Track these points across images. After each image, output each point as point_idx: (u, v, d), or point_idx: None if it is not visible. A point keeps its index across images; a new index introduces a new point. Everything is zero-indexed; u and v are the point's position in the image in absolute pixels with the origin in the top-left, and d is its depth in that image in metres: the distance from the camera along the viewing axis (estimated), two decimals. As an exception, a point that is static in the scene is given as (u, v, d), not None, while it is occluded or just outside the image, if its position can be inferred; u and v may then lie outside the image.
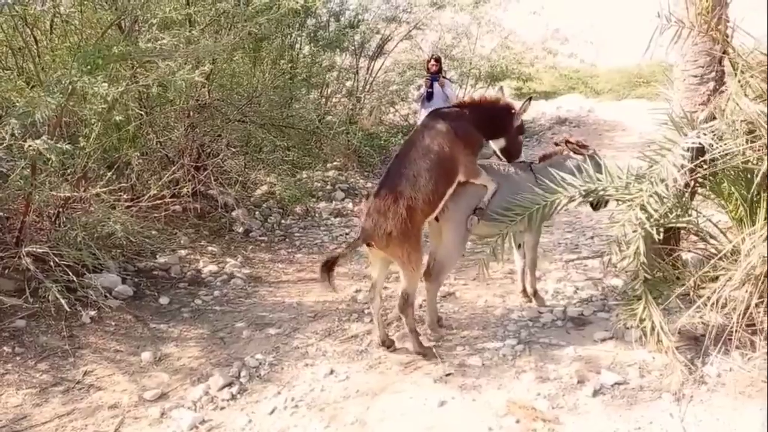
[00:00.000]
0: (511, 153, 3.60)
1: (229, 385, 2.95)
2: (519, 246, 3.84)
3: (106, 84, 2.70)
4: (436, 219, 3.35)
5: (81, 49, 3.05)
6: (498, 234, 3.21)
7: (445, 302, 4.02)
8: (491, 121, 3.44)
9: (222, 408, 2.79)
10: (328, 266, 3.17)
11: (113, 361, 3.21)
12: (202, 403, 2.81)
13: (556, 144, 3.78)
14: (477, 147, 3.39)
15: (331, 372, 3.07)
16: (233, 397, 2.87)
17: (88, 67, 2.80)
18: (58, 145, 2.61)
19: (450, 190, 3.25)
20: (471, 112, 3.38)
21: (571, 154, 3.59)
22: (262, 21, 4.24)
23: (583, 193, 3.29)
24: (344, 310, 3.90)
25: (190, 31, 3.36)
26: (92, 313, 3.56)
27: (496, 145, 3.60)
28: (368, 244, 3.16)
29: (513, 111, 3.52)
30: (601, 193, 3.30)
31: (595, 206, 3.63)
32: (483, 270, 3.22)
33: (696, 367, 2.81)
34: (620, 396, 2.68)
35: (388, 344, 3.33)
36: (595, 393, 2.70)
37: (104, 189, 3.77)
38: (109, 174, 4.20)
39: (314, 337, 3.50)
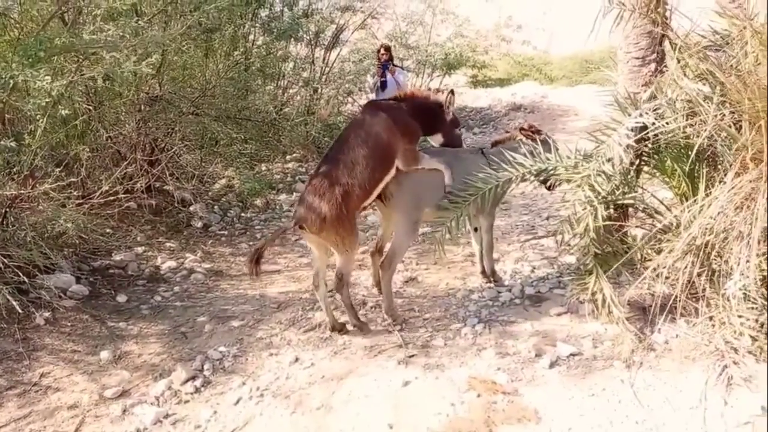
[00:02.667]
0: (451, 147, 3.67)
1: (193, 378, 2.94)
2: (476, 229, 3.93)
3: (49, 77, 2.61)
4: (384, 205, 3.42)
5: (21, 43, 2.93)
6: (451, 215, 3.27)
7: (408, 287, 4.08)
8: (424, 116, 3.50)
9: (186, 401, 2.78)
10: (257, 257, 3.19)
11: (71, 362, 3.14)
12: (165, 398, 2.79)
13: (507, 132, 3.87)
14: (415, 136, 3.44)
15: (296, 360, 3.09)
16: (197, 390, 2.86)
17: (29, 60, 2.70)
18: (2, 143, 2.51)
19: (387, 177, 3.31)
20: (407, 104, 3.44)
21: (524, 139, 3.67)
22: (210, 10, 4.15)
23: (534, 172, 3.39)
24: (308, 299, 3.91)
25: (137, 22, 3.26)
26: (46, 314, 3.46)
27: (434, 141, 3.68)
28: (300, 227, 3.18)
29: (443, 107, 3.57)
30: (551, 172, 3.40)
31: (549, 186, 3.74)
32: (440, 249, 3.29)
33: (645, 335, 2.95)
34: (575, 366, 2.79)
35: (338, 328, 3.39)
36: (552, 365, 2.81)
37: (53, 186, 3.65)
38: (58, 171, 4.06)
39: (278, 327, 3.51)
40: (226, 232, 5.55)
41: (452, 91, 3.64)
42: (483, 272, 4.00)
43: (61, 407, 2.73)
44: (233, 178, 6.68)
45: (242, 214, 6.07)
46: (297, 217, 3.19)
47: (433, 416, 2.48)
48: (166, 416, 2.64)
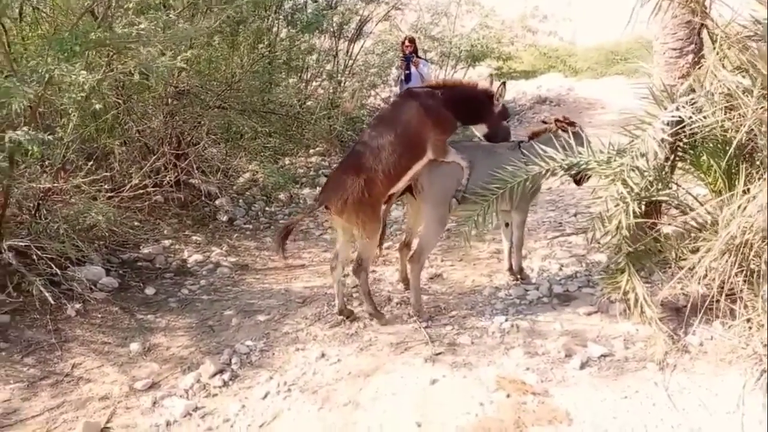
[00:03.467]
0: (496, 139, 3.62)
1: (221, 372, 2.95)
2: (507, 225, 3.88)
3: (85, 72, 2.63)
4: (414, 198, 3.44)
5: (55, 37, 2.96)
6: (479, 210, 3.23)
7: (433, 283, 4.05)
8: (467, 105, 3.46)
9: (214, 395, 2.80)
10: (284, 235, 3.28)
11: (101, 353, 3.18)
12: (194, 391, 2.81)
13: (544, 122, 3.82)
14: (448, 127, 3.42)
15: (323, 355, 3.08)
16: (225, 384, 2.87)
17: (65, 54, 2.73)
18: (39, 136, 2.55)
19: (416, 166, 3.31)
20: (444, 93, 3.40)
21: (559, 131, 3.62)
22: (242, 3, 4.15)
23: (565, 167, 3.32)
24: (333, 294, 3.89)
25: (167, 15, 3.27)
26: (77, 306, 3.52)
27: (478, 131, 3.63)
28: (326, 208, 3.27)
29: (492, 97, 3.52)
30: (583, 167, 3.33)
31: (578, 181, 3.67)
32: (467, 244, 3.28)
33: (678, 336, 2.88)
34: (607, 367, 2.74)
35: (346, 314, 3.46)
36: (583, 365, 2.76)
37: (84, 180, 3.70)
38: (89, 164, 4.12)
39: (304, 322, 3.51)
40: (250, 226, 5.57)
41: (504, 83, 3.60)
42: (510, 269, 3.95)
43: (92, 398, 2.77)
44: (257, 171, 6.71)
45: (266, 208, 6.09)
46: (322, 197, 3.28)
47: (461, 415, 2.46)
48: (196, 409, 2.66)
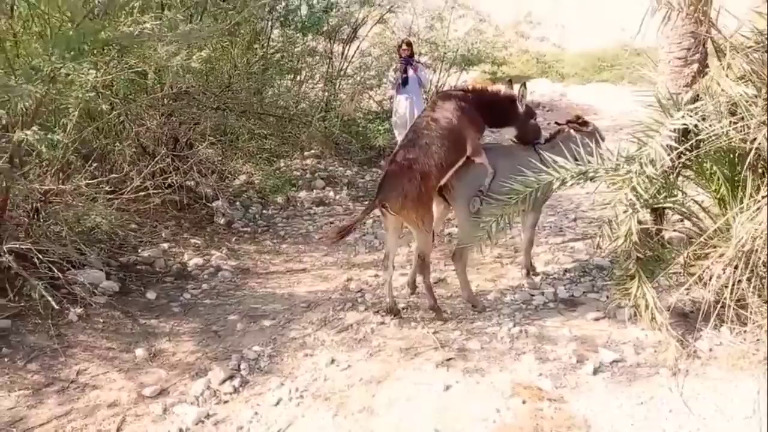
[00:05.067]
0: (526, 138, 3.78)
1: (230, 378, 2.91)
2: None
3: (94, 71, 2.57)
4: (445, 199, 3.56)
5: (60, 35, 2.89)
6: (499, 213, 3.27)
7: (438, 288, 4.03)
8: (493, 109, 3.61)
9: (225, 402, 2.75)
10: (345, 232, 3.32)
11: (106, 359, 3.12)
12: (205, 398, 2.76)
13: (558, 124, 3.92)
14: (480, 127, 3.57)
15: (333, 361, 3.06)
16: (236, 390, 2.83)
17: (71, 53, 2.67)
18: (49, 136, 2.48)
19: (459, 161, 3.45)
20: (474, 97, 3.55)
21: (573, 132, 3.72)
22: (256, 6, 4.11)
23: (575, 174, 3.34)
24: (338, 299, 3.88)
25: (175, 15, 3.22)
26: (79, 310, 3.44)
27: (508, 134, 3.78)
28: (383, 206, 3.31)
29: (514, 100, 3.65)
30: (592, 175, 3.35)
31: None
32: (480, 250, 3.32)
33: (688, 342, 2.91)
34: (619, 373, 2.76)
35: (395, 312, 3.53)
36: (596, 371, 2.77)
37: (85, 181, 3.63)
38: (87, 166, 4.04)
39: (310, 327, 3.48)
40: (249, 229, 5.52)
41: (524, 84, 3.74)
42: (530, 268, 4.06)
43: (100, 405, 2.71)
44: (253, 174, 6.65)
45: (264, 211, 6.05)
46: (381, 197, 3.31)
47: (479, 422, 2.45)
48: (208, 416, 2.62)
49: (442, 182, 3.45)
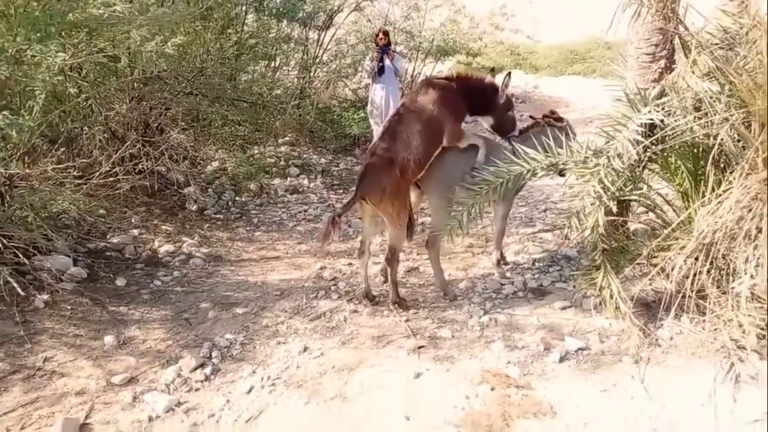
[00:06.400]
0: (502, 129, 3.82)
1: (202, 365, 2.90)
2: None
3: (63, 54, 2.51)
4: (419, 189, 3.60)
5: (25, 15, 2.80)
6: (470, 202, 3.31)
7: (410, 277, 4.09)
8: (476, 97, 3.64)
9: (197, 389, 2.75)
10: (329, 233, 3.27)
11: (74, 346, 3.07)
12: (176, 385, 2.75)
13: (533, 118, 3.98)
14: (461, 116, 3.62)
15: (305, 349, 3.07)
16: (207, 378, 2.83)
17: (38, 34, 2.59)
18: (14, 120, 2.42)
19: (436, 152, 3.49)
20: (457, 85, 3.58)
21: (546, 127, 3.80)
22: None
23: (545, 166, 3.41)
24: (311, 287, 3.89)
25: (144, -2, 3.15)
26: (46, 296, 3.38)
27: (485, 122, 3.81)
28: (363, 199, 3.34)
29: (497, 89, 3.68)
30: (561, 167, 3.43)
31: (563, 173, 3.81)
32: (450, 239, 3.37)
33: (650, 331, 3.01)
34: (584, 360, 2.84)
35: (371, 297, 3.58)
36: (562, 359, 2.85)
37: (52, 166, 3.54)
38: (54, 150, 3.94)
39: (283, 315, 3.48)
40: (221, 216, 5.47)
41: (509, 74, 3.79)
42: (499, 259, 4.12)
43: (68, 393, 2.67)
44: (226, 160, 6.58)
45: (237, 198, 5.99)
46: (362, 190, 3.33)
47: (449, 408, 2.50)
48: (179, 404, 2.61)
49: (420, 175, 3.48)
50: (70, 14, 2.68)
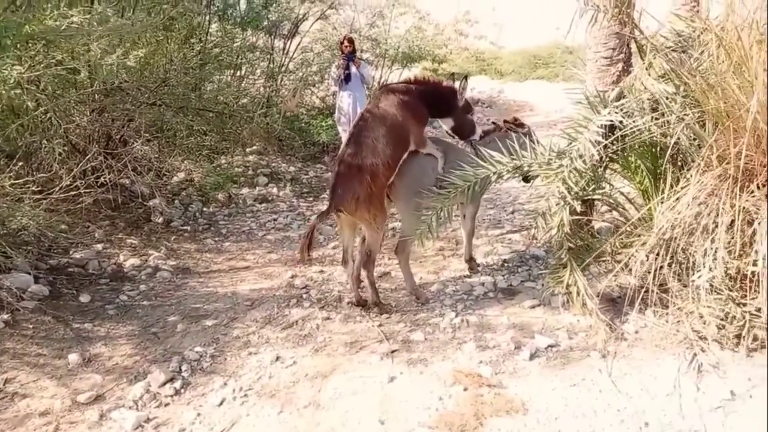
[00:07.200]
0: (462, 131, 3.89)
1: (171, 380, 2.85)
2: (464, 216, 4.07)
3: (20, 67, 2.44)
4: (389, 197, 3.59)
5: (-23, 27, 2.72)
6: (439, 206, 3.34)
7: (382, 282, 4.09)
8: (435, 100, 3.69)
9: (167, 404, 2.69)
10: (308, 245, 3.28)
11: (36, 366, 2.98)
12: (144, 401, 2.69)
13: (494, 123, 4.06)
14: (423, 119, 3.66)
15: (277, 358, 3.05)
16: (177, 392, 2.77)
17: (-8, 47, 2.52)
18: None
19: (405, 156, 3.53)
20: (417, 88, 3.63)
21: (509, 132, 3.87)
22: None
23: (511, 169, 3.47)
24: (282, 296, 3.86)
25: (105, 8, 3.09)
26: (5, 316, 3.27)
27: (445, 125, 3.87)
28: (338, 211, 3.36)
29: (455, 92, 3.75)
30: (526, 169, 3.49)
31: (527, 179, 3.88)
32: (420, 243, 3.39)
33: (616, 326, 3.08)
34: (554, 357, 2.89)
35: (362, 303, 3.59)
36: (532, 356, 2.89)
37: (9, 181, 3.44)
38: (12, 165, 3.83)
39: (254, 326, 3.45)
40: (189, 228, 5.39)
41: (466, 77, 3.86)
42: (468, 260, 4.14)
43: (31, 414, 2.59)
44: (192, 171, 6.49)
45: (204, 209, 5.91)
46: (335, 201, 3.34)
47: (422, 411, 2.51)
48: (148, 420, 2.56)
49: (391, 179, 3.50)
50: (26, 26, 2.61)
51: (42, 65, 3.25)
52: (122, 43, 4.71)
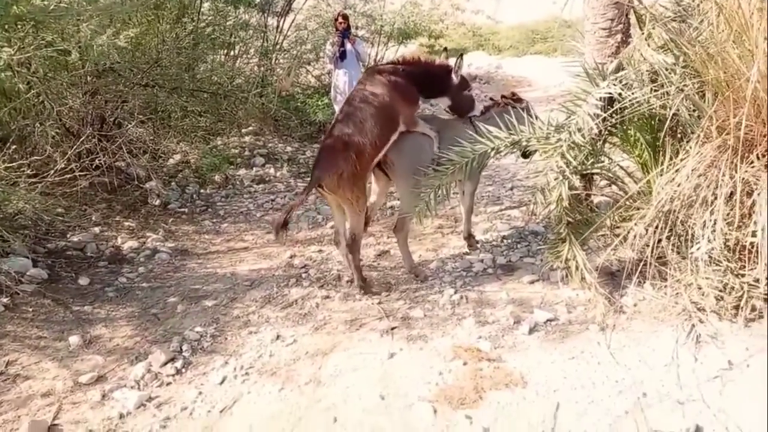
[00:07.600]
0: (460, 109, 3.81)
1: (172, 360, 2.86)
2: (463, 193, 4.04)
3: (9, 48, 2.39)
4: (387, 175, 3.59)
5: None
6: (437, 183, 3.32)
7: (381, 260, 4.09)
8: (427, 80, 3.61)
9: (168, 384, 2.71)
10: (284, 224, 3.22)
11: (37, 348, 2.99)
12: (146, 381, 2.71)
13: (493, 100, 4.01)
14: (414, 100, 3.58)
15: (278, 337, 3.06)
16: (178, 372, 2.79)
17: (-22, 27, 2.47)
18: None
19: (393, 137, 3.46)
20: (406, 69, 3.55)
21: (508, 107, 3.83)
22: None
23: (509, 144, 3.44)
24: (281, 276, 3.86)
25: (92, -13, 3.03)
26: (5, 300, 3.27)
27: (442, 104, 3.81)
28: (319, 186, 3.29)
29: (449, 70, 3.67)
30: (525, 144, 3.47)
31: (526, 155, 3.84)
32: (418, 221, 3.38)
33: (615, 299, 3.09)
34: (553, 331, 2.90)
35: (367, 286, 3.54)
36: (531, 331, 2.90)
37: (3, 165, 3.41)
38: (5, 148, 3.79)
39: (254, 305, 3.45)
40: (186, 210, 5.37)
41: (461, 55, 3.79)
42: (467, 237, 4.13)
43: (33, 395, 2.61)
44: (188, 153, 6.44)
45: (201, 191, 5.89)
46: (316, 177, 3.29)
47: (423, 385, 2.53)
48: (150, 399, 2.57)
49: (377, 160, 3.46)
50: (14, 6, 2.56)
51: (32, 47, 3.19)
52: (113, 23, 4.64)
